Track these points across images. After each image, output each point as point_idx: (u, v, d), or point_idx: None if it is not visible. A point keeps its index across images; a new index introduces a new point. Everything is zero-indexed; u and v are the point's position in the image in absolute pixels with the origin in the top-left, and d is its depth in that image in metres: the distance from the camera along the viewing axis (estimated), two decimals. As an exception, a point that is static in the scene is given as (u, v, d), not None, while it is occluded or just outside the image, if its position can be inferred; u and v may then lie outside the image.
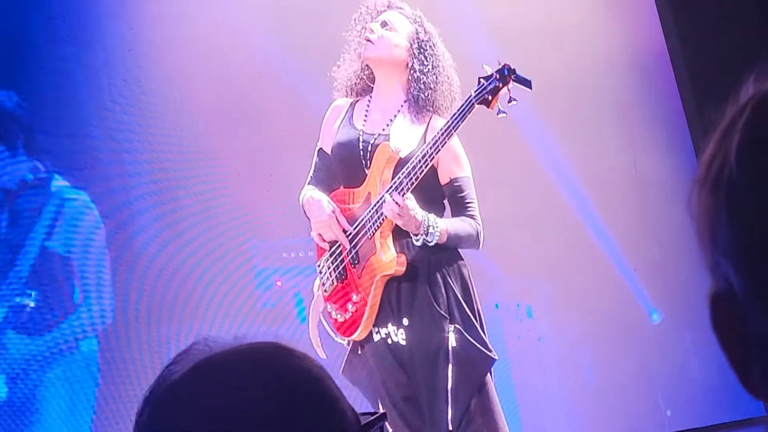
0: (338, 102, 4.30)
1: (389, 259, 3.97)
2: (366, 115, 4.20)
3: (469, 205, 4.06)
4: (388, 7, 4.20)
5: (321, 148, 4.29)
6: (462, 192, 4.05)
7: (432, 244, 3.94)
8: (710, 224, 0.82)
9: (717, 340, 0.84)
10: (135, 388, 5.05)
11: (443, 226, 3.93)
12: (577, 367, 6.07)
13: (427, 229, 3.90)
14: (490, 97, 3.88)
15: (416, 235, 3.92)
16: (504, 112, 3.90)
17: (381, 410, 3.50)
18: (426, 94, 4.08)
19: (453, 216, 4.07)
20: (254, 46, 5.74)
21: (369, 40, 4.13)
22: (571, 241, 6.05)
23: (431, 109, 4.09)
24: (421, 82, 4.08)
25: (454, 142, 4.04)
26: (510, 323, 5.85)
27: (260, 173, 5.63)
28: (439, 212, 4.05)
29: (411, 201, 3.88)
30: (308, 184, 4.28)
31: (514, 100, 3.88)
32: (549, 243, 5.99)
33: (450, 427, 3.93)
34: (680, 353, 6.19)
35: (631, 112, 6.42)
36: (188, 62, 5.65)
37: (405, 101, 4.14)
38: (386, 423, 1.26)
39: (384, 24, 4.15)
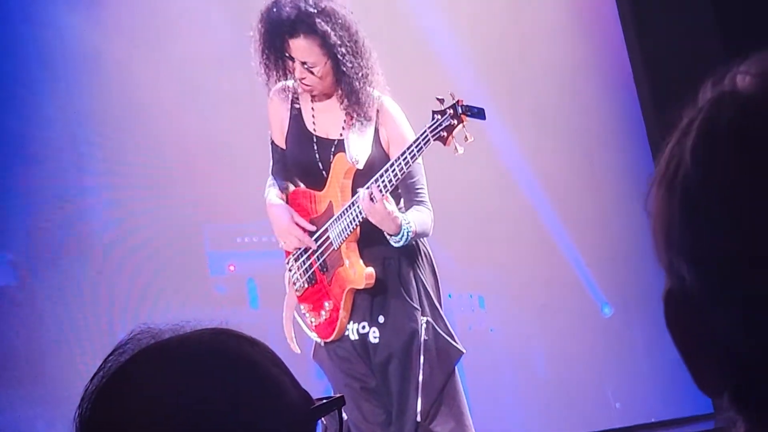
0: (279, 86, 4.25)
1: (359, 276, 4.04)
2: (314, 116, 4.19)
3: (419, 191, 4.10)
4: (290, 26, 4.04)
5: (273, 142, 4.30)
6: (413, 178, 4.07)
7: (406, 244, 4.00)
8: (665, 223, 0.82)
9: (671, 337, 0.84)
10: (82, 376, 5.00)
11: (413, 226, 3.98)
12: (528, 358, 6.09)
13: (404, 232, 3.94)
14: (445, 134, 3.87)
15: (392, 235, 3.96)
16: (461, 151, 3.90)
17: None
18: (362, 93, 4.07)
19: (404, 200, 4.10)
20: (214, 29, 5.70)
21: (307, 85, 4.10)
22: (525, 234, 6.07)
23: (371, 90, 4.10)
24: (354, 88, 4.07)
25: (405, 129, 4.07)
26: (462, 314, 5.86)
27: (215, 157, 5.59)
28: (396, 199, 4.08)
29: (392, 204, 3.92)
30: (270, 176, 4.32)
31: (471, 138, 3.87)
32: (503, 234, 6.01)
33: (418, 419, 3.99)
34: (630, 348, 6.23)
35: (589, 108, 6.44)
36: (146, 42, 5.61)
37: (348, 102, 4.12)
38: (342, 408, 1.26)
39: (305, 66, 4.07)
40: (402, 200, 4.13)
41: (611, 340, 6.18)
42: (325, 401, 1.23)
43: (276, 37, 4.07)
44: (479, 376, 5.76)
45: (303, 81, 4.08)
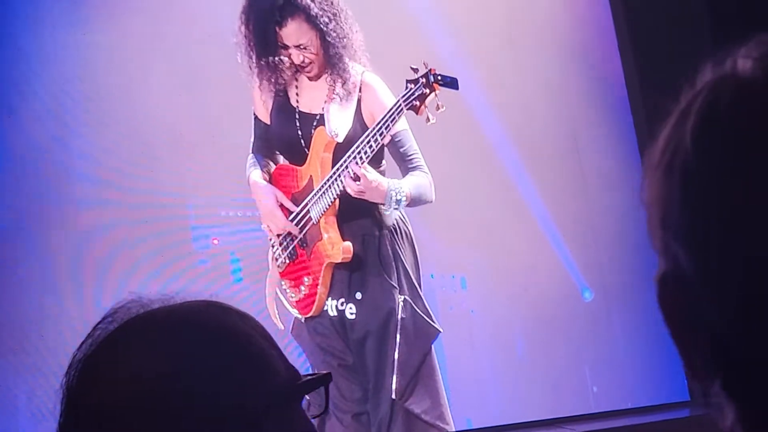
0: (264, 61, 4.25)
1: (336, 249, 4.05)
2: (298, 92, 4.19)
3: (413, 157, 4.11)
4: (280, 10, 4.05)
5: (257, 116, 4.31)
6: (404, 146, 4.09)
7: (401, 208, 4.00)
8: (662, 205, 0.82)
9: (663, 321, 0.84)
10: (64, 346, 4.99)
11: (407, 189, 3.98)
12: (508, 340, 6.10)
13: (394, 197, 3.94)
14: (417, 104, 3.87)
15: (383, 205, 3.97)
16: (433, 120, 3.89)
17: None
18: (344, 62, 4.08)
19: (401, 170, 4.12)
20: (201, 6, 5.68)
21: (306, 66, 4.09)
22: (508, 216, 6.07)
23: (352, 60, 4.10)
24: (338, 56, 4.07)
25: (388, 101, 4.06)
26: (444, 294, 5.87)
27: (201, 130, 5.58)
28: (378, 170, 4.08)
29: (372, 173, 3.92)
30: (251, 152, 4.32)
31: (442, 107, 3.87)
32: (487, 216, 6.01)
33: (394, 396, 4.01)
34: (609, 333, 6.24)
35: (575, 92, 6.43)
36: (134, 19, 5.58)
37: (329, 73, 4.12)
38: (330, 384, 1.26)
39: (301, 48, 4.07)
40: (384, 176, 4.13)
41: (590, 324, 6.19)
42: (312, 377, 1.23)
43: (266, 34, 4.06)
44: (458, 356, 5.78)
45: (303, 64, 4.08)
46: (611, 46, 6.52)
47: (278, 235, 4.28)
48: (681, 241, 0.81)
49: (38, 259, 5.31)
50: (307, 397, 1.26)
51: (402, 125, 4.05)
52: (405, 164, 4.12)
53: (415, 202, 4.07)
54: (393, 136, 4.05)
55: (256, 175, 4.28)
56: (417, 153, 4.13)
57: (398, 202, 3.97)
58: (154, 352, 1.16)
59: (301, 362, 4.36)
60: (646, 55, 6.29)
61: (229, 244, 5.62)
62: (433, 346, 4.16)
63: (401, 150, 4.09)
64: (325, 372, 1.24)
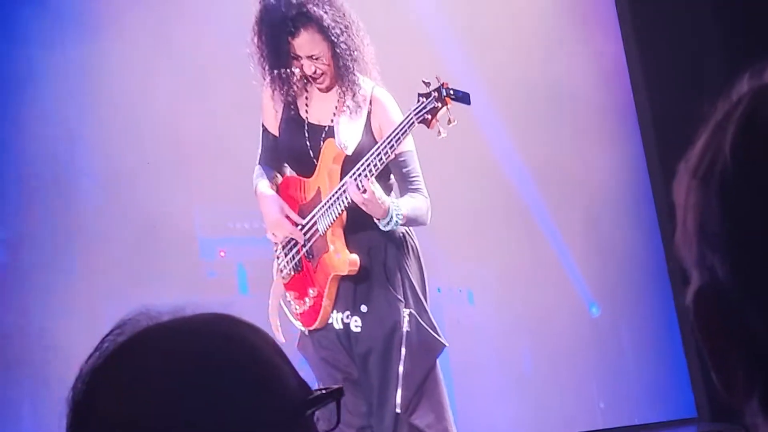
0: (275, 73, 4.26)
1: (342, 262, 4.05)
2: (307, 103, 4.20)
3: (415, 179, 4.11)
4: (293, 21, 4.05)
5: (266, 128, 4.31)
6: (407, 167, 4.09)
7: (394, 227, 3.99)
8: (698, 216, 0.82)
9: (699, 336, 0.83)
10: (69, 357, 4.98)
11: (404, 210, 3.98)
12: (515, 354, 6.10)
13: (392, 215, 3.94)
14: (429, 117, 3.88)
15: (380, 220, 3.96)
16: (444, 134, 3.89)
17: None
18: (353, 74, 4.09)
19: (400, 190, 4.12)
20: (209, 15, 5.69)
21: (318, 77, 4.11)
22: (516, 230, 6.07)
23: (362, 73, 4.11)
24: (347, 69, 4.08)
25: (397, 118, 4.06)
26: (451, 308, 5.86)
27: (208, 141, 5.58)
28: (387, 189, 4.08)
29: (378, 190, 3.91)
30: (258, 164, 4.32)
31: (454, 121, 3.87)
32: (494, 231, 6.01)
33: (398, 410, 3.99)
34: (616, 348, 6.24)
35: (582, 106, 6.43)
36: (141, 26, 5.59)
37: (340, 85, 4.13)
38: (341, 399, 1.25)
39: (313, 59, 4.09)
40: (392, 191, 4.14)
41: (598, 340, 6.19)
42: (324, 392, 1.22)
43: (279, 45, 4.06)
44: (465, 371, 5.77)
45: (315, 75, 4.09)
46: (618, 52, 6.53)
47: (283, 247, 4.27)
48: (719, 252, 0.80)
49: (42, 269, 5.30)
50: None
51: (408, 146, 4.07)
52: (405, 184, 4.12)
53: (409, 223, 4.07)
54: (398, 156, 4.05)
55: (263, 186, 4.28)
56: (419, 176, 4.13)
57: (391, 220, 3.97)
58: (162, 364, 1.14)
59: (305, 376, 4.34)
60: (652, 62, 6.29)
61: (237, 255, 5.62)
62: (438, 361, 4.15)
63: (404, 170, 4.09)
64: (337, 386, 1.23)
